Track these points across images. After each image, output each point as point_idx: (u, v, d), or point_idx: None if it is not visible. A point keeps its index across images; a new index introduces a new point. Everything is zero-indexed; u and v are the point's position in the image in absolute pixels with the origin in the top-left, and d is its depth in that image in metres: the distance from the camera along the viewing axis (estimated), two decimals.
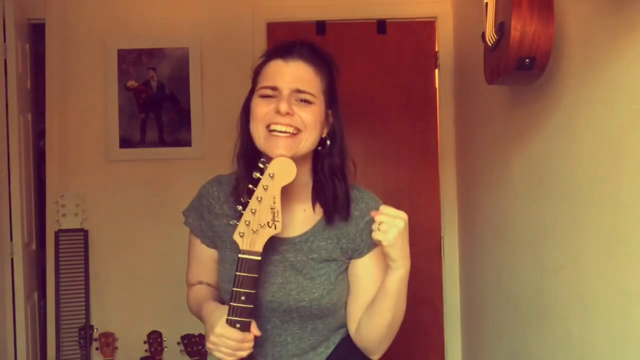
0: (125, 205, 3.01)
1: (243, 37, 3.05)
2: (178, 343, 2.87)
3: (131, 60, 3.01)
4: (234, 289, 1.18)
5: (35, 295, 3.00)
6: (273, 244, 1.25)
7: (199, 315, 1.35)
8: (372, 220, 1.28)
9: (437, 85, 3.11)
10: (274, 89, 1.24)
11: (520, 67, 1.51)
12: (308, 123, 1.24)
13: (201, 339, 2.84)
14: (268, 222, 1.18)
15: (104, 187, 3.01)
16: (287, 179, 1.18)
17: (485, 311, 2.52)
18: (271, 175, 1.17)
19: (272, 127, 1.22)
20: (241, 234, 1.18)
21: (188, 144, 3.01)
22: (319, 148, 1.31)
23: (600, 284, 1.43)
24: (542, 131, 1.78)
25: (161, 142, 3.02)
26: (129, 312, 2.99)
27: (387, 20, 3.10)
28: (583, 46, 1.51)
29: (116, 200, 3.01)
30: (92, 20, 3.03)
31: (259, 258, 1.19)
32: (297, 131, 1.23)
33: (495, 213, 2.33)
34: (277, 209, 1.18)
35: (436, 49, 3.10)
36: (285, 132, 1.22)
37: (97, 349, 2.88)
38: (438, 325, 3.09)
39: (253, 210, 1.18)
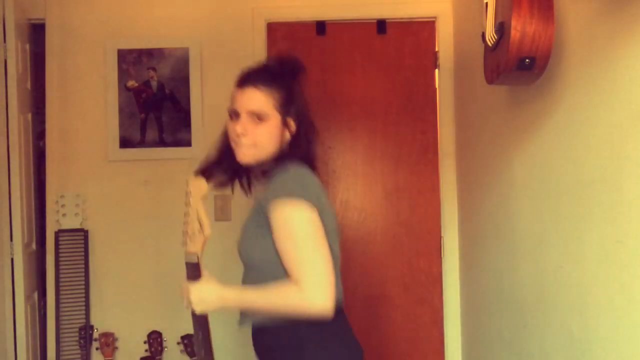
0: (125, 205, 3.01)
1: (243, 37, 3.05)
2: (178, 343, 2.87)
3: (131, 60, 3.01)
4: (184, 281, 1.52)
5: (35, 295, 3.00)
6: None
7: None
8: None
9: (437, 85, 3.11)
10: (235, 112, 1.59)
11: (520, 67, 1.51)
12: (260, 138, 1.56)
13: None
14: (198, 229, 1.45)
15: (104, 187, 3.01)
16: (201, 193, 1.46)
17: (485, 311, 2.52)
18: (189, 192, 1.46)
19: (237, 143, 1.58)
20: (184, 243, 1.49)
21: (188, 144, 3.01)
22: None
23: (600, 284, 1.43)
24: (542, 131, 1.78)
25: (161, 142, 3.01)
26: (129, 312, 2.99)
27: (387, 20, 3.10)
28: (583, 46, 1.51)
29: (116, 200, 3.01)
30: (92, 20, 3.02)
31: (197, 259, 1.47)
32: (254, 144, 1.56)
33: (495, 213, 2.33)
34: (202, 218, 1.45)
35: (436, 49, 3.10)
36: (246, 144, 1.56)
37: (97, 349, 2.88)
38: (438, 325, 3.09)
39: (185, 222, 1.48)
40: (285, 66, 1.62)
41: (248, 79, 1.60)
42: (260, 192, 1.60)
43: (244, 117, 1.57)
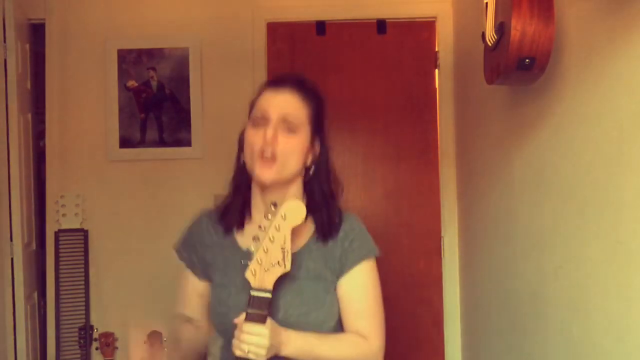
0: (125, 205, 3.01)
1: (243, 37, 3.05)
2: None
3: (131, 60, 3.01)
4: (244, 327, 1.23)
5: (35, 295, 3.00)
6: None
7: None
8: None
9: (437, 85, 3.11)
10: (264, 117, 1.34)
11: (520, 67, 1.51)
12: (287, 152, 1.33)
13: None
14: (278, 261, 1.24)
15: (104, 187, 3.01)
16: (298, 221, 1.24)
17: (485, 311, 2.52)
18: (283, 216, 1.23)
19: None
20: (253, 272, 1.24)
21: (188, 144, 3.02)
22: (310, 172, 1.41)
23: (600, 284, 1.43)
24: (542, 131, 1.78)
25: (161, 142, 3.01)
26: (129, 312, 2.99)
27: (387, 20, 3.10)
28: (583, 46, 1.51)
29: (116, 200, 3.01)
30: (92, 20, 3.03)
31: (270, 295, 1.24)
32: (280, 158, 1.32)
33: (495, 213, 2.33)
34: (287, 249, 1.24)
35: (436, 49, 3.10)
36: (270, 157, 1.32)
37: (97, 349, 2.88)
38: (438, 325, 3.09)
39: (265, 250, 1.24)
40: (317, 87, 1.44)
41: (285, 81, 1.39)
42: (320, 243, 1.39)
43: (274, 122, 1.33)
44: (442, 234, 3.07)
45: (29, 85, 2.98)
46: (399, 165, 3.11)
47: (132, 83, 3.02)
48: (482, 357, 2.64)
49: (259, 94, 1.41)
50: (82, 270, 2.93)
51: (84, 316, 2.90)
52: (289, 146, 1.34)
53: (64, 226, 2.93)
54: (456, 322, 3.04)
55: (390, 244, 3.07)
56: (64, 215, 2.92)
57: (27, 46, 2.96)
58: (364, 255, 1.41)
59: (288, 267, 1.24)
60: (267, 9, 3.07)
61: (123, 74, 3.01)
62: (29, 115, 2.97)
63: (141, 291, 2.99)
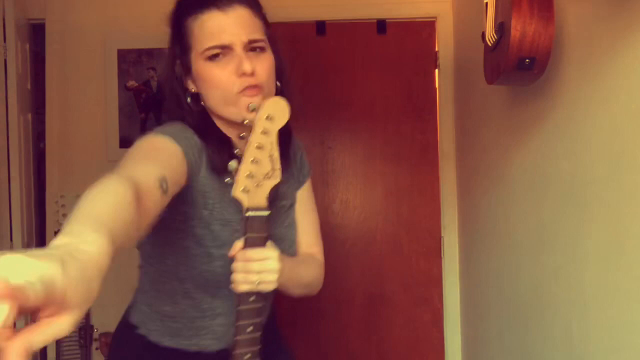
0: None
1: None
2: None
3: (131, 60, 3.01)
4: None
5: None
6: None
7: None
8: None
9: (437, 85, 3.11)
10: (224, 47, 1.11)
11: (520, 67, 1.51)
12: (268, 74, 1.14)
13: None
14: (268, 173, 1.06)
15: None
16: (283, 121, 1.06)
17: (485, 311, 2.52)
18: (269, 117, 1.04)
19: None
20: (245, 190, 1.04)
21: None
22: None
23: (600, 284, 1.43)
24: (542, 131, 1.78)
25: None
26: None
27: (387, 20, 3.10)
28: (583, 46, 1.51)
29: None
30: (92, 20, 3.02)
31: (268, 212, 1.07)
32: (259, 88, 1.13)
33: (495, 213, 2.33)
34: (276, 156, 1.06)
35: (436, 49, 3.10)
36: (254, 90, 1.12)
37: (97, 349, 2.88)
38: (438, 325, 3.09)
39: (255, 160, 1.04)
40: None
41: None
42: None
43: (241, 50, 1.11)
44: (442, 234, 3.07)
45: (29, 85, 2.97)
46: (399, 165, 3.11)
47: (132, 83, 3.02)
48: (482, 357, 2.64)
49: (191, 13, 1.18)
50: None
51: (84, 316, 2.90)
52: (267, 67, 1.14)
53: None
54: (456, 322, 3.04)
55: (390, 244, 3.07)
56: (64, 215, 2.92)
57: (27, 46, 2.96)
58: (309, 171, 1.38)
59: (279, 177, 1.07)
60: (267, 9, 3.05)
61: (123, 74, 3.01)
62: (29, 115, 2.97)
63: None
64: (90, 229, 0.68)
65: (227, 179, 1.08)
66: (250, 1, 1.17)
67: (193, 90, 1.19)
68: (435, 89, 3.11)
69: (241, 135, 1.08)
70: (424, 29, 3.11)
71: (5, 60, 2.70)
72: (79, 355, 2.87)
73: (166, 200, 0.95)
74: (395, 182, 3.11)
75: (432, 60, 3.11)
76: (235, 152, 1.10)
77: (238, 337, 1.06)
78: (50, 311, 0.56)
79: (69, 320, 0.59)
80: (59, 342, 2.88)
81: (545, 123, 1.75)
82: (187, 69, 1.18)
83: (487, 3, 1.74)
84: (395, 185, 3.11)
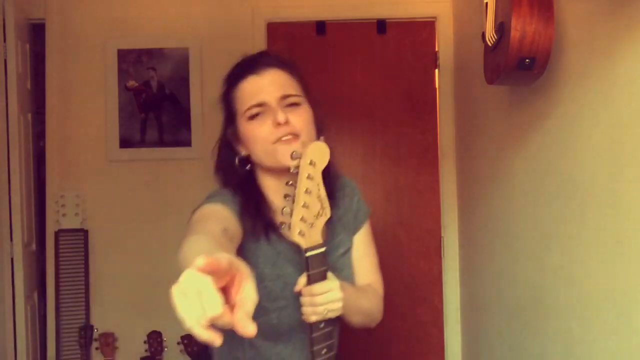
0: (125, 205, 3.01)
1: (243, 37, 3.04)
2: (178, 343, 2.87)
3: (131, 60, 3.01)
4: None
5: (35, 295, 3.00)
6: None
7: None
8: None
9: (437, 85, 3.11)
10: (261, 105, 1.23)
11: (520, 67, 1.51)
12: (303, 125, 1.24)
13: None
14: (319, 212, 1.15)
15: (104, 187, 3.01)
16: (325, 162, 1.15)
17: (485, 311, 2.52)
18: (312, 162, 1.13)
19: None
20: (301, 233, 1.14)
21: (188, 144, 3.02)
22: None
23: (600, 284, 1.43)
24: (542, 131, 1.78)
25: (161, 142, 3.01)
26: (129, 312, 2.99)
27: (387, 20, 3.10)
28: (583, 46, 1.51)
29: (116, 200, 3.01)
30: (92, 20, 3.03)
31: (324, 248, 1.17)
32: (295, 137, 1.23)
33: (495, 213, 2.33)
34: (323, 195, 1.16)
35: (436, 49, 3.10)
36: (290, 139, 1.23)
37: (97, 349, 2.88)
38: (438, 325, 3.09)
39: (305, 205, 1.13)
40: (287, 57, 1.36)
41: (261, 62, 1.27)
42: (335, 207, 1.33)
43: (276, 105, 1.23)
44: (442, 234, 3.07)
45: (29, 85, 2.98)
46: (399, 165, 3.11)
47: (132, 83, 3.02)
48: (482, 357, 2.64)
49: (234, 84, 1.28)
50: (82, 270, 2.93)
51: (84, 316, 2.90)
52: (303, 118, 1.25)
53: (64, 226, 2.93)
54: (456, 322, 3.04)
55: (390, 244, 3.07)
56: (64, 215, 2.93)
57: (27, 46, 2.96)
58: (367, 213, 1.45)
59: (329, 214, 1.16)
60: (267, 9, 3.07)
61: (123, 74, 3.01)
62: (29, 115, 2.97)
63: (141, 291, 2.99)
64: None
65: (281, 225, 1.18)
66: (284, 64, 1.28)
67: (243, 153, 1.31)
68: (435, 89, 3.11)
69: (289, 182, 1.15)
70: (424, 29, 3.11)
71: (5, 60, 2.70)
72: (79, 355, 2.87)
73: (232, 249, 1.08)
74: (395, 182, 3.11)
75: (432, 60, 3.11)
76: (285, 196, 1.18)
77: None
78: (235, 279, 0.75)
79: (251, 284, 0.76)
80: (59, 342, 2.88)
81: (545, 123, 1.75)
82: (237, 135, 1.29)
83: (487, 3, 1.74)
84: (395, 185, 3.11)
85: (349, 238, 1.41)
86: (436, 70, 3.10)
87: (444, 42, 3.06)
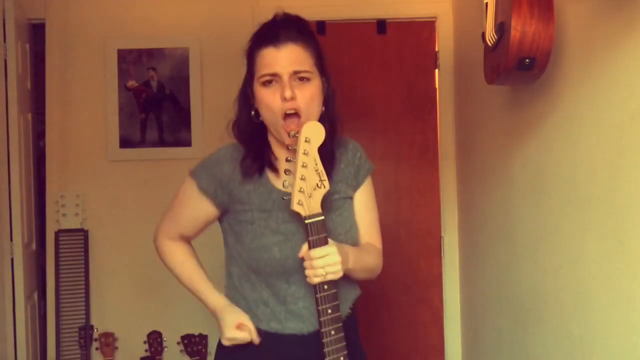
0: (125, 205, 3.01)
1: (243, 37, 3.00)
2: (178, 343, 2.87)
3: (131, 60, 3.01)
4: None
5: (35, 295, 3.00)
6: None
7: (194, 292, 1.54)
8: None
9: (437, 85, 3.11)
10: (274, 75, 1.37)
11: (520, 67, 1.51)
12: (307, 101, 1.38)
13: (201, 338, 2.84)
14: (317, 184, 1.29)
15: (104, 187, 3.01)
16: (321, 139, 1.29)
17: (485, 311, 2.52)
18: (307, 140, 1.27)
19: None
20: (300, 203, 1.28)
21: (188, 144, 3.01)
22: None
23: (600, 284, 1.43)
24: (542, 131, 1.78)
25: (161, 142, 3.01)
26: (129, 312, 2.99)
27: (387, 20, 3.10)
28: (583, 46, 1.51)
29: (116, 200, 3.01)
30: (92, 20, 3.02)
31: (323, 217, 1.30)
32: (303, 110, 1.37)
33: (495, 213, 2.33)
34: (321, 169, 1.29)
35: (436, 49, 3.10)
36: (293, 114, 1.38)
37: (97, 349, 2.88)
38: (438, 325, 3.09)
39: (303, 177, 1.27)
40: (308, 25, 1.49)
41: (281, 34, 1.41)
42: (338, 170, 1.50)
43: (287, 79, 1.37)
44: (442, 234, 3.07)
45: (29, 85, 2.98)
46: (399, 165, 3.11)
47: (132, 83, 3.02)
48: (482, 357, 2.64)
49: (256, 48, 1.44)
50: (82, 270, 2.93)
51: (84, 316, 2.90)
52: (308, 95, 1.38)
53: (64, 226, 2.93)
54: (456, 322, 3.04)
55: (390, 244, 3.04)
56: (64, 215, 2.93)
57: (27, 46, 2.96)
58: (369, 170, 1.58)
59: (327, 186, 1.30)
60: (267, 9, 3.04)
61: (123, 74, 3.01)
62: (29, 115, 2.97)
63: (141, 291, 2.99)
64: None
65: (284, 197, 1.35)
66: (302, 39, 1.41)
67: (257, 108, 1.46)
68: (435, 88, 3.11)
69: (288, 158, 1.31)
70: (424, 29, 3.11)
71: (5, 60, 2.70)
72: (79, 356, 2.87)
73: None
74: (395, 182, 3.11)
75: (432, 60, 3.11)
76: (285, 171, 1.33)
77: (321, 319, 1.31)
78: None
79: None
80: (58, 342, 2.88)
81: (545, 123, 1.75)
82: (252, 93, 1.45)
83: (487, 3, 1.74)
84: (395, 185, 3.11)
85: (347, 188, 1.51)
86: (436, 70, 3.10)
87: (444, 42, 3.06)
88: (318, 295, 1.30)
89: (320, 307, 1.30)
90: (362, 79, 3.10)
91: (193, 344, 2.82)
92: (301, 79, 1.38)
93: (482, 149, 2.52)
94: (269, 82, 1.39)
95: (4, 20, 2.70)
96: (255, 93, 1.43)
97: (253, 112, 1.45)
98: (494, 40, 1.63)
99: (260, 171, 1.43)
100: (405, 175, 3.11)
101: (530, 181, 1.90)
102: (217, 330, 1.58)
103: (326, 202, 1.40)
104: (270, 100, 1.38)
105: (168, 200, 3.00)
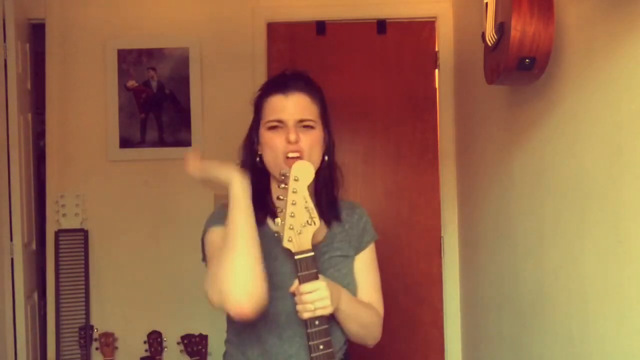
0: (125, 205, 3.01)
1: (243, 37, 3.04)
2: (178, 343, 2.87)
3: (131, 60, 3.01)
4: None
5: (35, 295, 3.00)
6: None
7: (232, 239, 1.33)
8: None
9: (437, 85, 3.11)
10: (280, 121, 1.44)
11: (520, 67, 1.51)
12: (310, 147, 1.43)
13: (201, 338, 2.84)
14: (307, 221, 1.32)
15: (104, 187, 3.01)
16: (309, 179, 1.32)
17: (485, 311, 2.52)
18: (296, 178, 1.31)
19: (288, 155, 1.41)
20: (290, 240, 1.31)
21: (188, 144, 3.02)
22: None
23: (600, 284, 1.43)
24: (542, 131, 1.78)
25: (161, 142, 3.02)
26: (129, 312, 2.99)
27: (387, 20, 3.10)
28: (583, 46, 1.51)
29: (116, 200, 3.01)
30: (92, 20, 3.03)
31: (312, 253, 1.32)
32: (302, 155, 1.42)
33: (495, 213, 2.33)
34: (311, 207, 1.32)
35: (436, 49, 3.10)
36: (296, 157, 1.42)
37: (97, 349, 2.88)
38: (438, 325, 3.09)
39: (292, 215, 1.31)
40: (316, 83, 1.55)
41: (290, 84, 1.47)
42: (337, 225, 1.54)
43: (292, 125, 1.43)
44: (442, 234, 3.07)
45: (29, 85, 2.98)
46: (399, 165, 3.11)
47: (132, 83, 3.02)
48: (482, 357, 2.64)
49: (265, 96, 1.49)
50: (82, 270, 2.93)
51: (84, 316, 2.90)
52: (311, 140, 1.44)
53: (64, 226, 2.93)
54: (456, 322, 3.04)
55: (390, 244, 3.07)
56: (64, 215, 2.93)
57: (27, 46, 2.96)
58: (373, 236, 1.60)
59: (317, 223, 1.32)
60: (267, 9, 3.07)
61: (123, 74, 3.01)
62: (29, 115, 2.97)
63: (141, 291, 2.99)
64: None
65: (276, 234, 1.36)
66: (309, 90, 1.48)
67: (261, 153, 1.51)
68: (435, 89, 3.11)
69: (279, 197, 1.35)
70: (424, 29, 3.11)
71: (5, 60, 2.71)
72: (79, 356, 2.87)
73: None
74: (395, 182, 3.11)
75: (432, 60, 3.11)
76: (279, 211, 1.35)
77: (313, 354, 1.31)
78: None
79: None
80: (58, 342, 2.88)
81: (545, 123, 1.75)
82: (258, 138, 1.50)
83: (487, 3, 1.74)
84: (395, 185, 3.11)
85: (349, 248, 1.54)
86: (436, 70, 3.10)
87: (444, 42, 3.06)
88: (309, 331, 1.31)
89: (311, 343, 1.31)
90: (362, 79, 3.10)
91: (193, 344, 2.82)
92: (306, 127, 1.45)
93: (482, 149, 2.52)
94: (275, 127, 1.44)
95: (4, 20, 2.70)
96: (260, 137, 1.48)
97: (258, 158, 1.49)
98: (494, 40, 1.63)
99: (263, 220, 1.46)
100: (405, 175, 3.11)
101: (530, 181, 1.90)
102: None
103: (325, 257, 1.47)
104: (274, 143, 1.44)
105: (168, 200, 3.03)
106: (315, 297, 1.30)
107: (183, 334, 2.86)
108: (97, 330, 2.92)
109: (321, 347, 1.31)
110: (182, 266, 2.92)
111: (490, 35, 1.68)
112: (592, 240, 1.46)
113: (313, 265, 1.31)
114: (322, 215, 1.47)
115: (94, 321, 2.96)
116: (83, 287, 2.92)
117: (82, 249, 2.94)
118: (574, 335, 1.58)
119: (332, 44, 3.11)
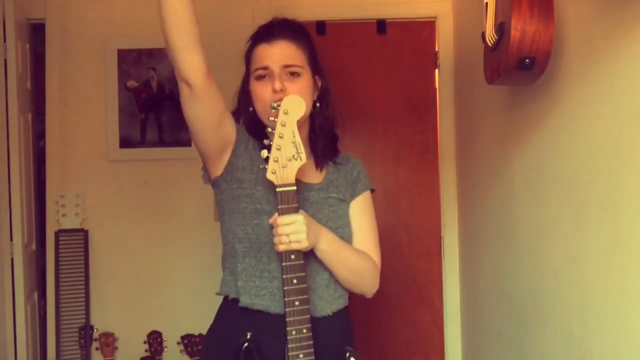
0: (125, 205, 3.01)
1: (243, 37, 3.02)
2: (178, 343, 2.87)
3: (131, 60, 3.01)
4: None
5: (35, 295, 3.00)
6: (298, 188, 1.37)
7: None
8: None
9: (437, 85, 3.11)
10: (265, 68, 1.44)
11: (520, 67, 1.51)
12: (297, 94, 1.39)
13: (201, 339, 2.84)
14: (293, 155, 1.31)
15: (104, 187, 3.01)
16: (300, 113, 1.31)
17: (485, 311, 2.52)
18: (286, 112, 1.31)
19: (273, 104, 1.36)
20: (273, 172, 1.31)
21: (188, 144, 3.01)
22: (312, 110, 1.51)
23: (600, 284, 1.43)
24: (542, 131, 1.78)
25: (161, 142, 3.01)
26: (129, 312, 2.99)
27: (387, 20, 3.10)
28: (583, 46, 1.51)
29: (116, 200, 3.01)
30: (92, 20, 3.02)
31: (294, 187, 1.32)
32: None
33: (495, 213, 2.33)
34: (298, 142, 1.31)
35: (436, 49, 3.10)
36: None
37: (97, 349, 2.88)
38: (438, 325, 3.09)
39: (278, 147, 1.31)
40: (304, 28, 1.56)
41: (275, 32, 1.49)
42: (331, 171, 1.55)
43: (277, 73, 1.44)
44: (442, 234, 3.07)
45: (29, 85, 2.98)
46: (399, 165, 3.11)
47: (132, 83, 3.02)
48: (482, 357, 2.64)
49: (252, 47, 1.51)
50: (82, 270, 2.93)
51: (84, 316, 2.90)
52: (297, 88, 1.43)
53: (64, 226, 2.93)
54: (456, 322, 3.04)
55: (390, 244, 3.07)
56: (64, 215, 2.92)
57: (27, 46, 2.96)
58: (368, 185, 1.61)
59: (304, 159, 1.32)
60: (267, 9, 3.05)
61: (123, 74, 3.01)
62: (29, 115, 2.97)
63: (141, 291, 2.99)
64: None
65: (261, 165, 1.37)
66: (294, 36, 1.49)
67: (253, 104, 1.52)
68: (435, 88, 3.11)
69: (267, 129, 1.34)
70: (424, 29, 3.11)
71: (5, 60, 2.70)
72: (79, 356, 2.87)
73: (210, 98, 1.44)
74: (395, 182, 3.11)
75: (432, 60, 3.11)
76: (265, 143, 1.36)
77: (285, 288, 1.31)
78: None
79: None
80: (58, 342, 2.88)
81: (545, 123, 1.75)
82: (249, 89, 1.52)
83: (487, 3, 1.74)
84: (395, 185, 3.11)
85: (345, 193, 1.55)
86: (436, 70, 3.10)
87: (444, 42, 3.06)
88: (284, 264, 1.31)
89: (285, 276, 1.31)
90: (362, 79, 3.10)
91: (193, 344, 2.82)
92: (292, 73, 1.45)
93: (482, 149, 2.52)
94: (262, 76, 1.45)
95: (4, 20, 2.70)
96: (250, 88, 1.50)
97: (251, 109, 1.51)
98: (494, 40, 1.63)
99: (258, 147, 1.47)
100: (405, 175, 3.11)
101: (530, 181, 1.90)
102: None
103: (321, 196, 1.49)
104: (262, 93, 1.44)
105: (168, 200, 3.02)
106: (291, 230, 1.30)
107: (183, 334, 2.86)
108: (97, 330, 2.92)
109: (294, 281, 1.31)
110: (182, 266, 2.91)
111: (490, 35, 1.68)
112: (592, 240, 1.46)
113: (294, 200, 1.32)
114: (317, 160, 1.52)
115: (94, 321, 2.96)
116: (83, 287, 2.92)
117: (82, 249, 2.94)
118: (574, 335, 1.58)
119: (332, 44, 3.11)
